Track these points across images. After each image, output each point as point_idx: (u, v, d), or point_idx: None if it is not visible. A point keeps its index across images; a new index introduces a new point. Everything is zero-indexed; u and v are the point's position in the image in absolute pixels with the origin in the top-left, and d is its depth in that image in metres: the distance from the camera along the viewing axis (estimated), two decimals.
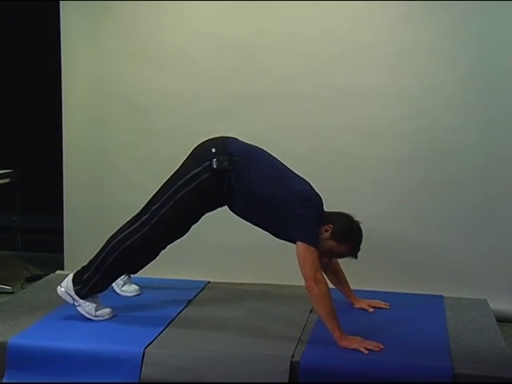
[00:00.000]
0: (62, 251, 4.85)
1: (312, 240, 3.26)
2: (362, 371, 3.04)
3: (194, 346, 3.23)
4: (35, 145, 5.84)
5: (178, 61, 4.55)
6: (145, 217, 3.45)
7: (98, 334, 3.37)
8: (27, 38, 5.76)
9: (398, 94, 4.32)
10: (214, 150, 3.40)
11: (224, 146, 3.44)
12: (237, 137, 3.59)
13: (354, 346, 3.17)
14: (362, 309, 3.76)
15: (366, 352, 3.13)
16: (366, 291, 3.90)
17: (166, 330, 3.42)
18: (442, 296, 4.05)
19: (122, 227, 3.53)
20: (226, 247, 4.51)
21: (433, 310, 3.82)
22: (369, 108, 4.36)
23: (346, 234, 3.40)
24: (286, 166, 3.53)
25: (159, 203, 3.43)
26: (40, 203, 5.61)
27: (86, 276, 3.50)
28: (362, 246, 3.45)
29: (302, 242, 3.25)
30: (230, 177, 3.38)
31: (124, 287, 3.98)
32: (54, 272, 4.63)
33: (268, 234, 3.56)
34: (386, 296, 3.94)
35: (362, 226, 3.46)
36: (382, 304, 3.82)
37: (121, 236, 3.48)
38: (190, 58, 4.53)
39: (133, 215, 3.54)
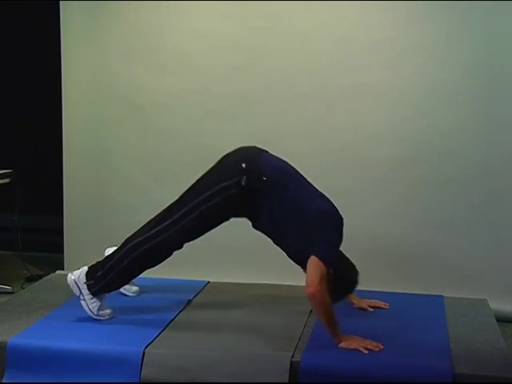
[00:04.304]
0: (62, 251, 4.85)
1: (328, 259, 3.20)
2: (362, 371, 3.03)
3: (194, 345, 3.23)
4: (35, 145, 5.84)
5: (178, 61, 4.55)
6: (167, 222, 3.44)
7: (98, 334, 3.36)
8: (27, 37, 5.76)
9: (399, 94, 4.32)
10: (244, 166, 3.32)
11: (255, 162, 3.37)
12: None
13: (353, 345, 3.17)
14: (361, 309, 3.76)
15: (366, 352, 3.14)
16: (366, 291, 3.89)
17: (166, 330, 3.42)
18: (442, 296, 4.05)
19: (141, 229, 3.52)
20: (226, 247, 4.51)
21: (433, 310, 3.82)
22: (369, 108, 4.36)
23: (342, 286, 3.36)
24: (311, 185, 3.46)
25: (183, 211, 3.42)
26: (40, 203, 5.60)
27: (100, 273, 3.50)
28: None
29: (317, 256, 3.19)
30: (257, 196, 3.35)
31: (125, 287, 3.97)
32: (54, 272, 4.63)
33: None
34: (386, 296, 3.93)
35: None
36: (381, 304, 3.81)
37: (140, 238, 3.48)
38: (190, 57, 4.53)
39: (152, 218, 3.52)
